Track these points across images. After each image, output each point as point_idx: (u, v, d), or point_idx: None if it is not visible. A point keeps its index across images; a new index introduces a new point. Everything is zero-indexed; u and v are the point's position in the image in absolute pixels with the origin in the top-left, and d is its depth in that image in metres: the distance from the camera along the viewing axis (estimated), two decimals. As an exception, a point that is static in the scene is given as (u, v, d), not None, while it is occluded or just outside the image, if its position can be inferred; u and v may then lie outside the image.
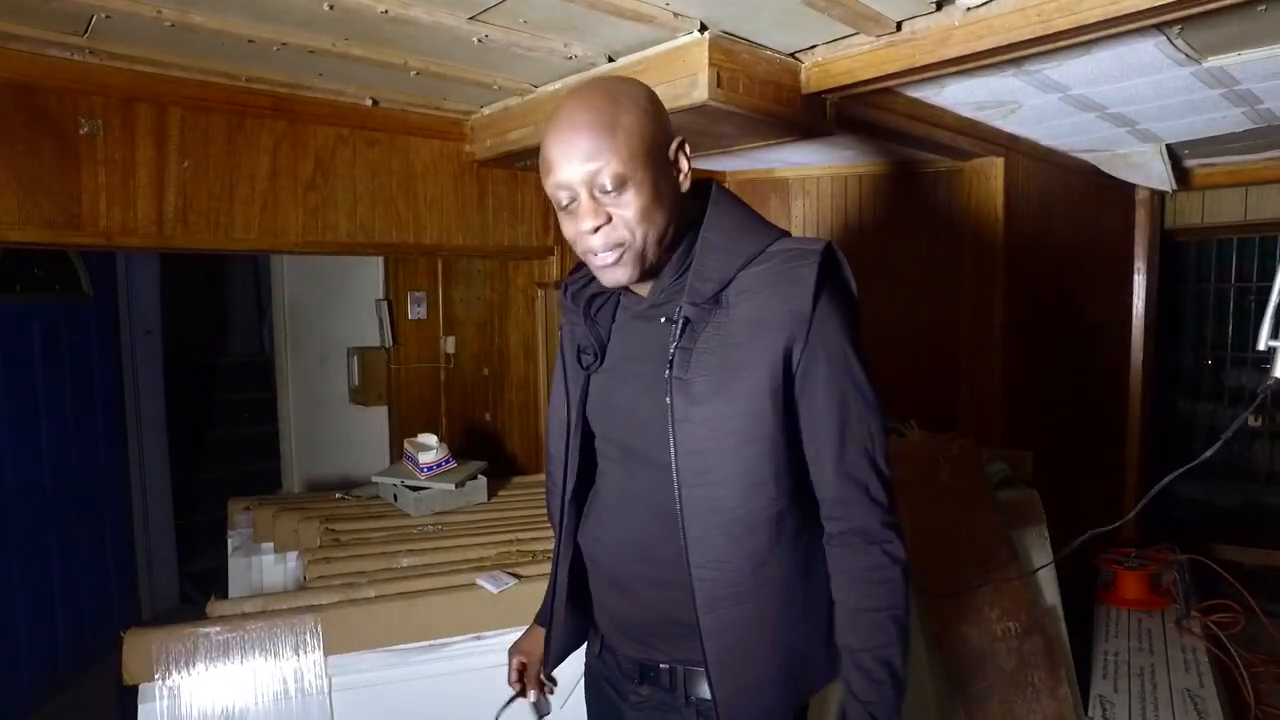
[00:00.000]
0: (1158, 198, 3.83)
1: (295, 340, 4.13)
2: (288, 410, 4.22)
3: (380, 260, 3.59)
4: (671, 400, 1.06)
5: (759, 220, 1.16)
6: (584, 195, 1.03)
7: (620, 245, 1.05)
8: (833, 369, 1.05)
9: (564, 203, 1.05)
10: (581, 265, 1.19)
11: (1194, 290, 4.40)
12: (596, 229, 1.03)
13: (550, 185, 1.05)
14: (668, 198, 1.06)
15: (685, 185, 1.10)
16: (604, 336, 1.19)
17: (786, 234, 1.14)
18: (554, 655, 1.33)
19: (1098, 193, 3.48)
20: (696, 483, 1.07)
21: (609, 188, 1.01)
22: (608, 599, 1.23)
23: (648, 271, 1.09)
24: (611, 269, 1.07)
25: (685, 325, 1.07)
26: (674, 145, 1.08)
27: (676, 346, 1.07)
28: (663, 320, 1.11)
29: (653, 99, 1.08)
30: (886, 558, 1.07)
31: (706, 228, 1.11)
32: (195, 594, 4.19)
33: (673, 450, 1.07)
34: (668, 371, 1.07)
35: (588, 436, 1.24)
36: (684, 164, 1.09)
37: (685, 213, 1.12)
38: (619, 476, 1.19)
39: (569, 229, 1.07)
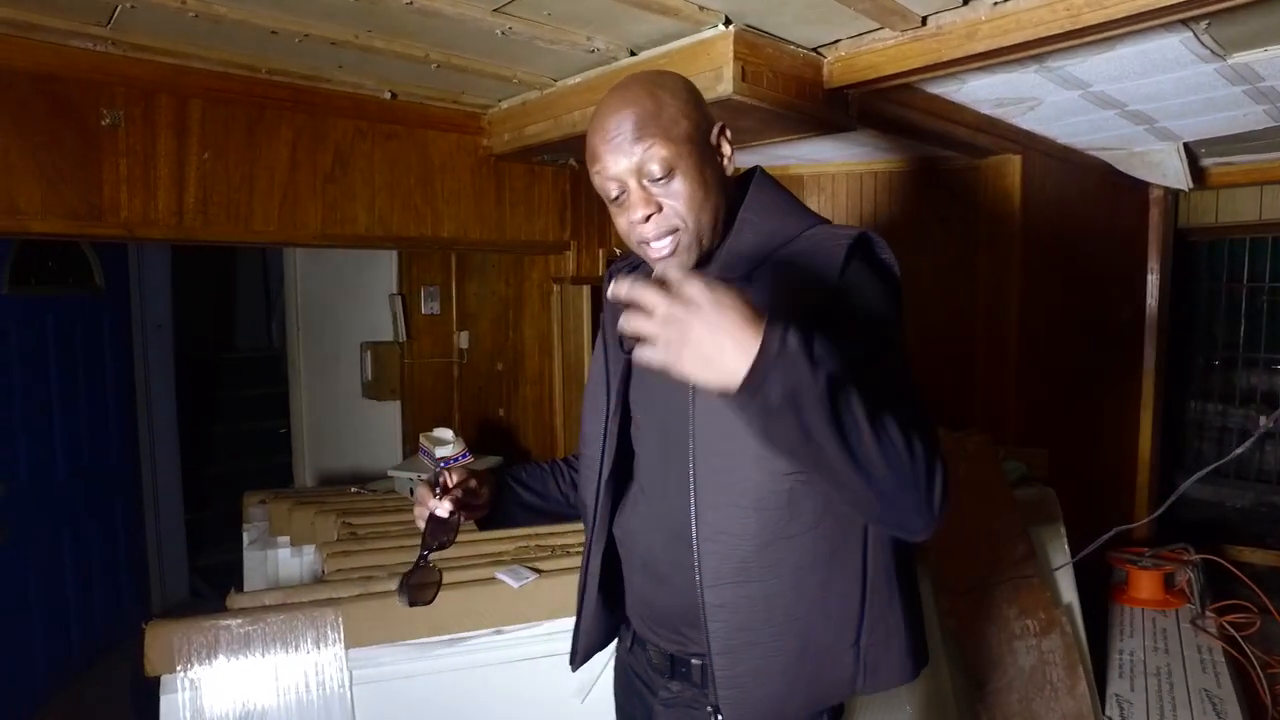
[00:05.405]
0: (1172, 196, 3.81)
1: (308, 334, 4.12)
2: (300, 405, 4.21)
3: (394, 254, 3.59)
4: None
5: (799, 206, 1.15)
6: (633, 185, 1.02)
7: (674, 231, 1.03)
8: (861, 328, 0.99)
9: (613, 194, 1.04)
10: (627, 253, 1.19)
11: (1206, 290, 4.38)
12: (648, 218, 1.02)
13: (599, 179, 1.05)
14: (715, 183, 1.06)
15: (730, 169, 1.10)
16: None
17: (827, 221, 1.13)
18: (581, 652, 1.31)
19: (1112, 191, 3.46)
20: (710, 453, 1.06)
21: (658, 174, 1.00)
22: (641, 587, 1.21)
23: (703, 258, 1.09)
24: (669, 260, 1.05)
25: None
26: (715, 130, 1.07)
27: None
28: None
29: (690, 88, 1.08)
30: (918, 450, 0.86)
31: (746, 208, 1.11)
32: (204, 588, 4.20)
33: (691, 423, 1.06)
34: None
35: (625, 421, 1.23)
36: (726, 149, 1.09)
37: (731, 198, 1.12)
38: (657, 461, 1.18)
39: (621, 222, 1.06)
